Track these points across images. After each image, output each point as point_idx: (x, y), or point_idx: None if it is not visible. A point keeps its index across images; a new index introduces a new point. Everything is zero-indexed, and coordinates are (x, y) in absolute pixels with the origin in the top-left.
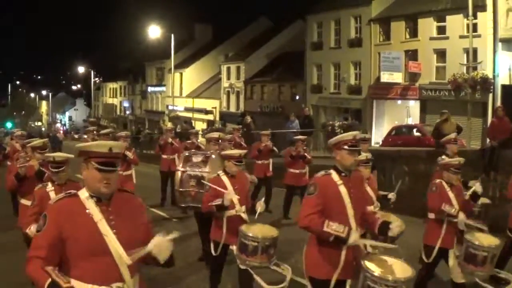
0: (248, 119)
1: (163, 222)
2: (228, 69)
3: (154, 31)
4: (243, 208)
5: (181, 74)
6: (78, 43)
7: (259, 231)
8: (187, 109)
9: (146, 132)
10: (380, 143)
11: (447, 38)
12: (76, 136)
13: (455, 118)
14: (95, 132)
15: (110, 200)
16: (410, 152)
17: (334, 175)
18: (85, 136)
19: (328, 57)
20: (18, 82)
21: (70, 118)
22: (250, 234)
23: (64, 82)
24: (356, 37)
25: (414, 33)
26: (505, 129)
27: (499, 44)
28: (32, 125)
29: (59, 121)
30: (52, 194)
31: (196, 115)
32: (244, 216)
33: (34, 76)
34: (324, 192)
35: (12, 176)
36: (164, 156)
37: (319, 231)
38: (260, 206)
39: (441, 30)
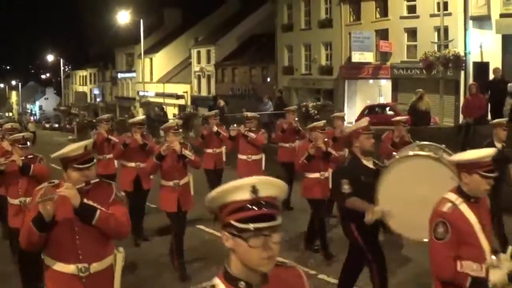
0: (221, 102)
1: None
2: (198, 53)
3: (123, 17)
4: None
5: (151, 59)
6: (46, 31)
7: None
8: (158, 95)
9: (118, 119)
10: (354, 122)
11: (417, 17)
12: (47, 125)
13: (427, 96)
14: (105, 121)
15: None
16: (385, 131)
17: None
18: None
19: (299, 39)
20: None
21: (40, 108)
22: None
23: (33, 71)
24: (327, 18)
25: (384, 12)
26: (480, 105)
27: (470, 22)
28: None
29: (29, 110)
30: None
31: (168, 100)
32: None
33: (3, 66)
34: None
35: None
36: (209, 150)
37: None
38: None
39: (412, 9)
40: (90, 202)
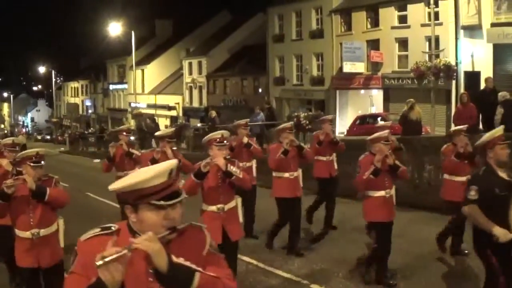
0: (213, 113)
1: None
2: (190, 64)
3: (114, 28)
4: None
5: (143, 70)
6: (38, 43)
7: None
8: (149, 106)
9: (111, 130)
10: (345, 133)
11: (408, 27)
12: (39, 137)
13: (419, 106)
14: (125, 133)
15: None
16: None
17: None
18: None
19: (290, 49)
20: None
21: (32, 119)
22: None
23: (24, 83)
24: (318, 29)
25: (375, 22)
26: (471, 115)
27: (461, 32)
28: None
29: (21, 122)
30: None
31: (159, 112)
32: None
33: None
34: None
35: None
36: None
37: None
38: None
39: (403, 19)
40: (181, 260)
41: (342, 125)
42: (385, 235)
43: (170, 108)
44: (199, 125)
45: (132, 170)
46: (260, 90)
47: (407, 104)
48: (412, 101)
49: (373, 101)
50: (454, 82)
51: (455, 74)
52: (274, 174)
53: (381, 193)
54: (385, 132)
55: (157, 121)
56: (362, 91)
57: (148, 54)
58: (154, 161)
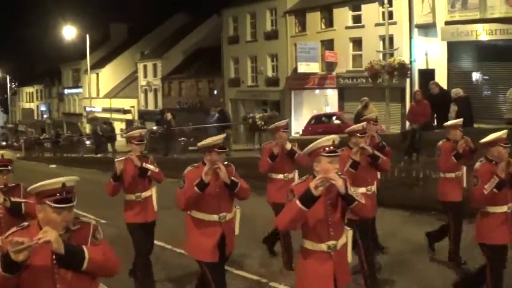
0: (169, 116)
1: None
2: (145, 67)
3: (69, 32)
4: None
5: (98, 74)
6: None
7: None
8: (105, 110)
9: (66, 135)
10: (301, 132)
11: (362, 26)
12: None
13: (373, 104)
14: (136, 141)
15: None
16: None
17: None
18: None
19: (245, 51)
20: None
21: None
22: None
23: None
24: (272, 30)
25: (329, 23)
26: (425, 112)
27: (415, 30)
28: None
29: None
30: None
31: (115, 115)
32: None
33: None
34: None
35: None
36: (279, 176)
37: None
38: None
39: (357, 19)
40: None
41: (297, 125)
42: (504, 259)
43: (125, 111)
44: (154, 128)
45: (146, 192)
46: (215, 92)
47: (361, 102)
48: (366, 99)
49: (328, 100)
50: (408, 80)
51: (409, 72)
52: None
53: (503, 208)
54: (504, 133)
55: (113, 125)
56: (317, 91)
57: (103, 58)
58: (203, 185)
